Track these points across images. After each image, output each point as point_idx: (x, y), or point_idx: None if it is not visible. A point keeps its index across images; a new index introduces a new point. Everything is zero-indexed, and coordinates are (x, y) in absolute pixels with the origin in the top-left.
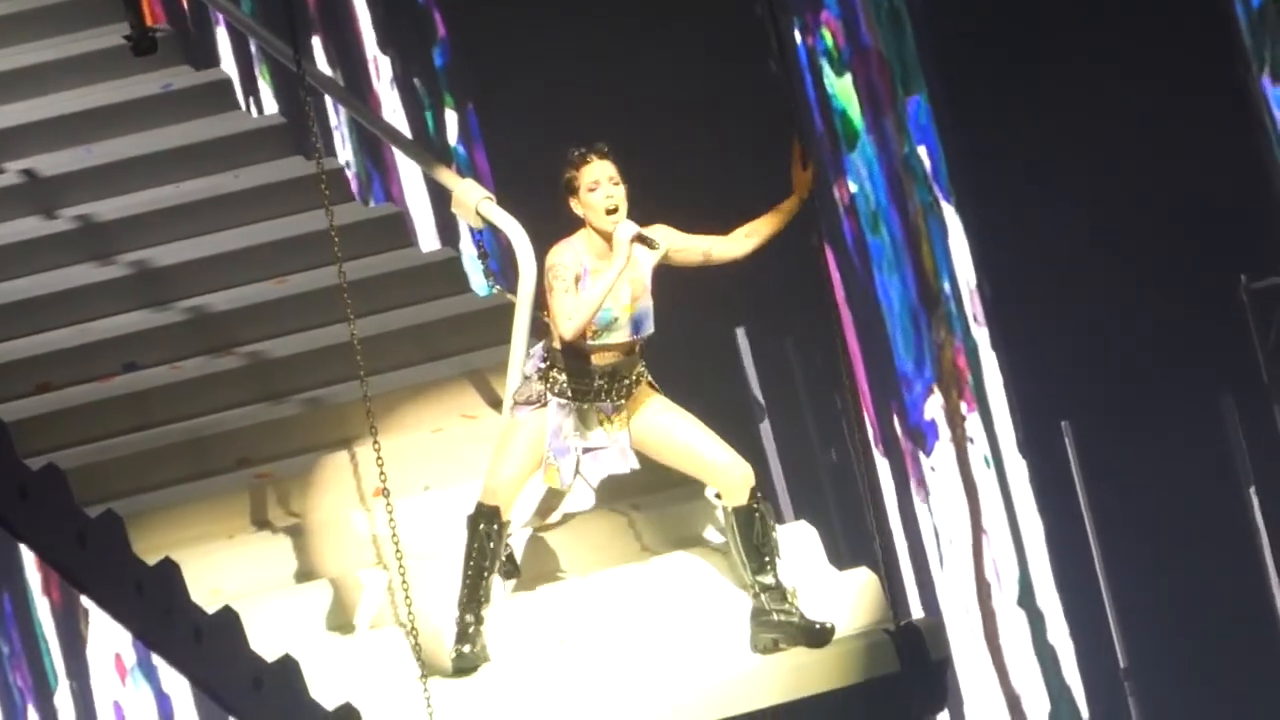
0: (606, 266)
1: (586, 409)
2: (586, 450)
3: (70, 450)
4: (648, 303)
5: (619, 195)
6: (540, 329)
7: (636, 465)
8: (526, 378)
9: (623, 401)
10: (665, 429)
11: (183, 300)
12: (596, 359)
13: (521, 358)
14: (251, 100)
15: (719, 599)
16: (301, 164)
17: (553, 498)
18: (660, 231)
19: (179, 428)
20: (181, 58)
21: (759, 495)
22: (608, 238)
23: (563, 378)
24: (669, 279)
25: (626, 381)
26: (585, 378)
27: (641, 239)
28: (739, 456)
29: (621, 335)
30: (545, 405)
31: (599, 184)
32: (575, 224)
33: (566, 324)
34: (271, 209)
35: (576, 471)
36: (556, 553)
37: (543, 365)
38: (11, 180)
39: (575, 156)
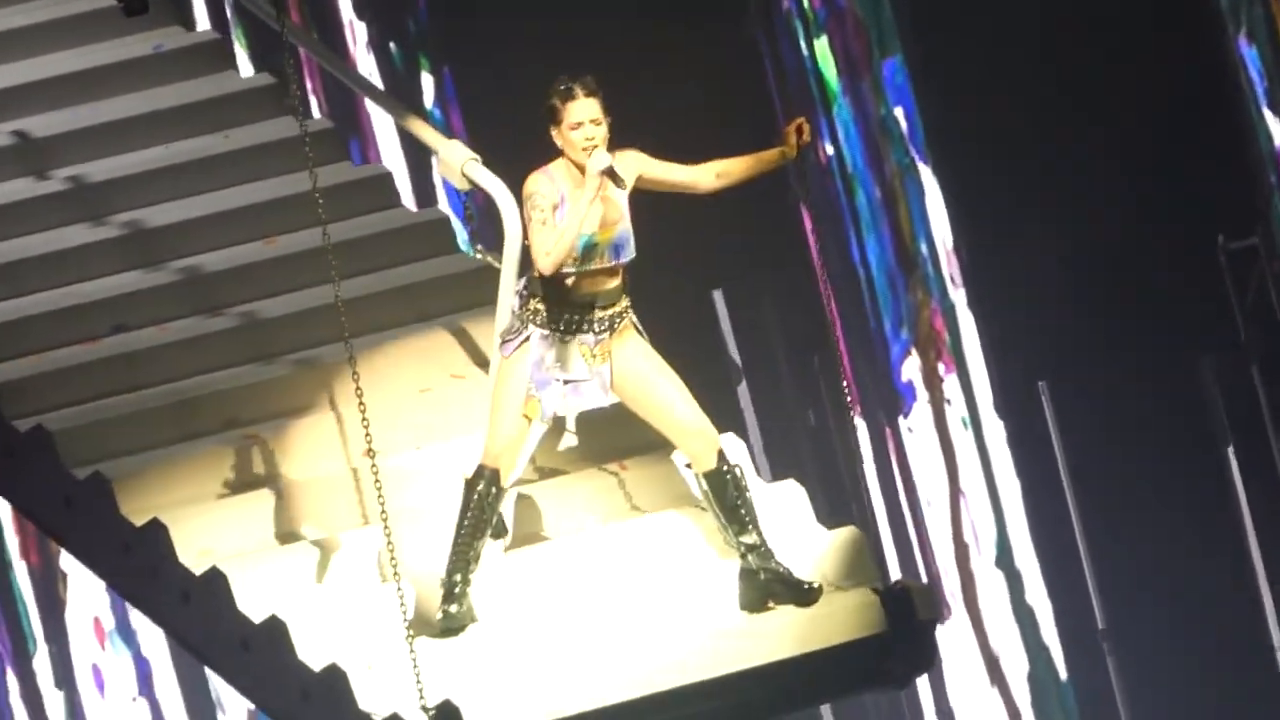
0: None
1: (568, 341)
2: (567, 382)
3: (58, 412)
4: (626, 228)
5: (599, 135)
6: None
7: (616, 399)
8: (515, 314)
9: (605, 335)
10: (642, 378)
11: (172, 261)
12: (578, 286)
13: (508, 320)
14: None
15: (707, 558)
16: (292, 124)
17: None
18: (631, 157)
19: (167, 389)
20: (173, 18)
21: (728, 458)
22: (584, 170)
23: (544, 308)
24: (644, 243)
25: (610, 313)
26: (567, 307)
27: (611, 174)
28: (708, 422)
29: (604, 261)
30: (529, 340)
31: (581, 124)
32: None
33: (544, 259)
34: (262, 169)
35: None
36: (544, 512)
37: (524, 294)
38: (2, 141)
39: (562, 89)
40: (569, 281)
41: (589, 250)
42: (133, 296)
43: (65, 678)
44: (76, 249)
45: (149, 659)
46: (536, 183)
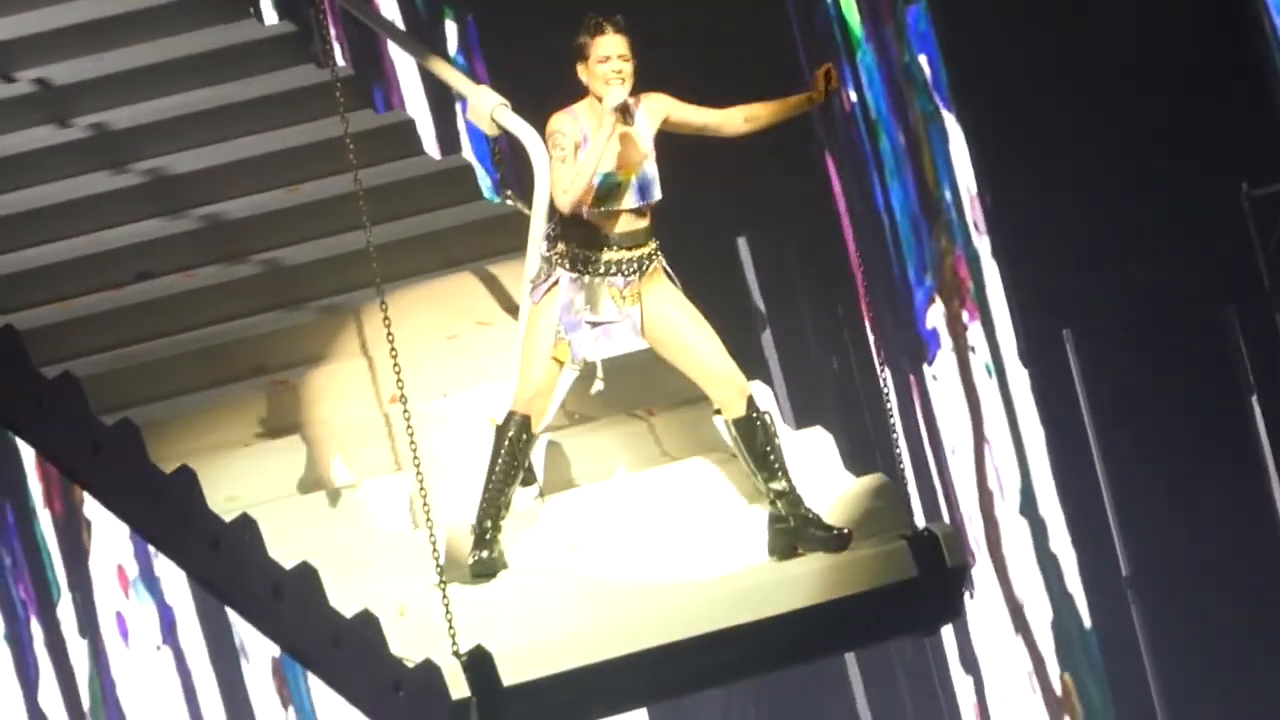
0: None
1: (597, 283)
2: (597, 324)
3: (85, 359)
4: (651, 169)
5: (626, 71)
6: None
7: (645, 343)
8: (544, 258)
9: (634, 278)
10: (672, 322)
11: (197, 208)
12: (604, 227)
13: (537, 267)
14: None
15: (736, 505)
16: (315, 72)
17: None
18: (657, 99)
19: (194, 335)
20: None
21: (756, 405)
22: None
23: (572, 250)
24: (668, 189)
25: (638, 254)
26: (595, 249)
27: (624, 109)
28: (737, 369)
29: (629, 201)
30: (558, 284)
31: (609, 58)
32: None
33: (562, 197)
34: (287, 116)
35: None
36: (574, 459)
37: (552, 238)
38: (24, 89)
39: (591, 25)
40: (595, 223)
41: (613, 189)
42: (157, 244)
43: (89, 626)
44: (100, 196)
45: (173, 607)
46: (559, 121)
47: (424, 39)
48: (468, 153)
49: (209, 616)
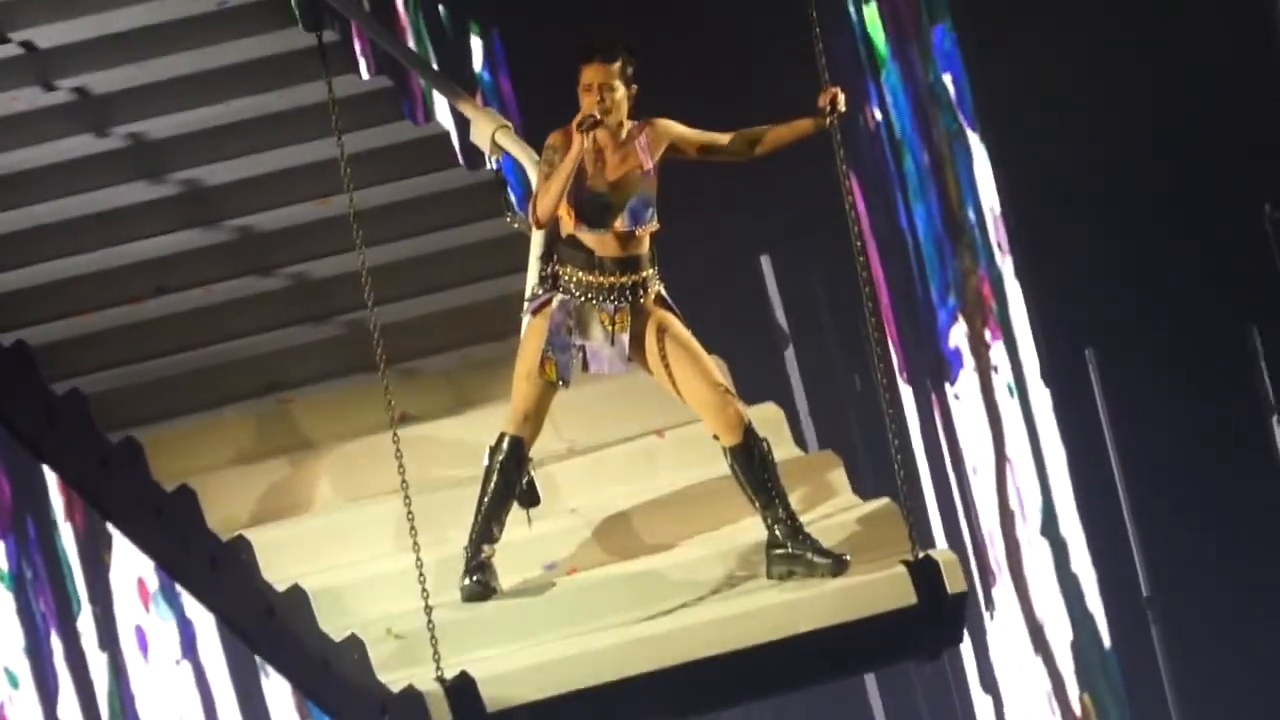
0: (586, 147)
1: (588, 307)
2: (584, 348)
3: (98, 375)
4: (646, 192)
5: (609, 101)
6: None
7: (626, 370)
8: (540, 277)
9: (625, 305)
10: (666, 352)
11: (224, 221)
12: (596, 249)
13: (534, 288)
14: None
15: (734, 529)
16: (352, 83)
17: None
18: (662, 125)
19: (207, 352)
20: None
21: (754, 432)
22: (606, 132)
23: (564, 272)
24: (692, 210)
25: (631, 281)
26: (587, 271)
27: (589, 127)
28: (732, 396)
29: (619, 224)
30: (549, 304)
31: (591, 87)
32: None
33: (531, 208)
34: (319, 129)
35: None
36: (573, 481)
37: (548, 257)
38: (62, 98)
39: (580, 50)
40: (587, 245)
41: (602, 210)
42: (179, 257)
43: (109, 640)
44: (128, 208)
45: (193, 621)
46: (553, 137)
47: (446, 56)
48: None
49: (228, 632)
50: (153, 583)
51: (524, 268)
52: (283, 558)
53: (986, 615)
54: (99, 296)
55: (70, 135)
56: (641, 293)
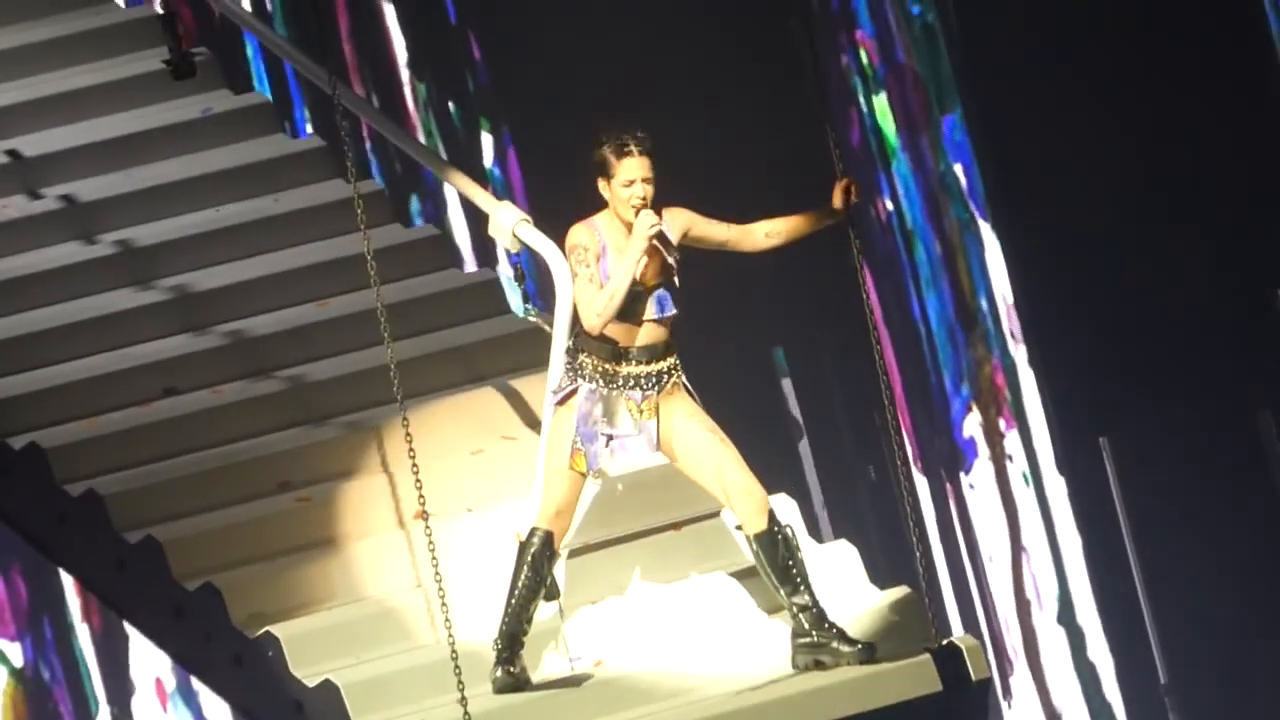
0: (626, 248)
1: (615, 396)
2: (613, 438)
3: (111, 476)
4: (672, 281)
5: (650, 194)
6: None
7: (662, 459)
8: (565, 369)
9: (653, 392)
10: (692, 439)
11: (224, 324)
12: (624, 338)
13: (559, 379)
14: (287, 123)
15: (758, 619)
16: (342, 187)
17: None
18: (679, 214)
19: (219, 452)
20: (221, 81)
21: (778, 519)
22: (630, 225)
23: (591, 362)
24: (706, 302)
25: (657, 368)
26: (614, 360)
27: (662, 238)
28: (757, 483)
29: (649, 313)
30: (576, 393)
31: (634, 181)
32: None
33: (594, 319)
34: (312, 232)
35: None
36: (597, 574)
37: (573, 348)
38: (51, 205)
39: (617, 143)
40: (615, 335)
41: (633, 300)
42: (184, 359)
43: None
44: (127, 312)
45: None
46: (578, 234)
47: (458, 151)
48: (504, 264)
49: None
50: (170, 682)
51: (533, 364)
52: (311, 653)
53: (1005, 704)
54: (107, 399)
55: (62, 242)
56: (667, 380)
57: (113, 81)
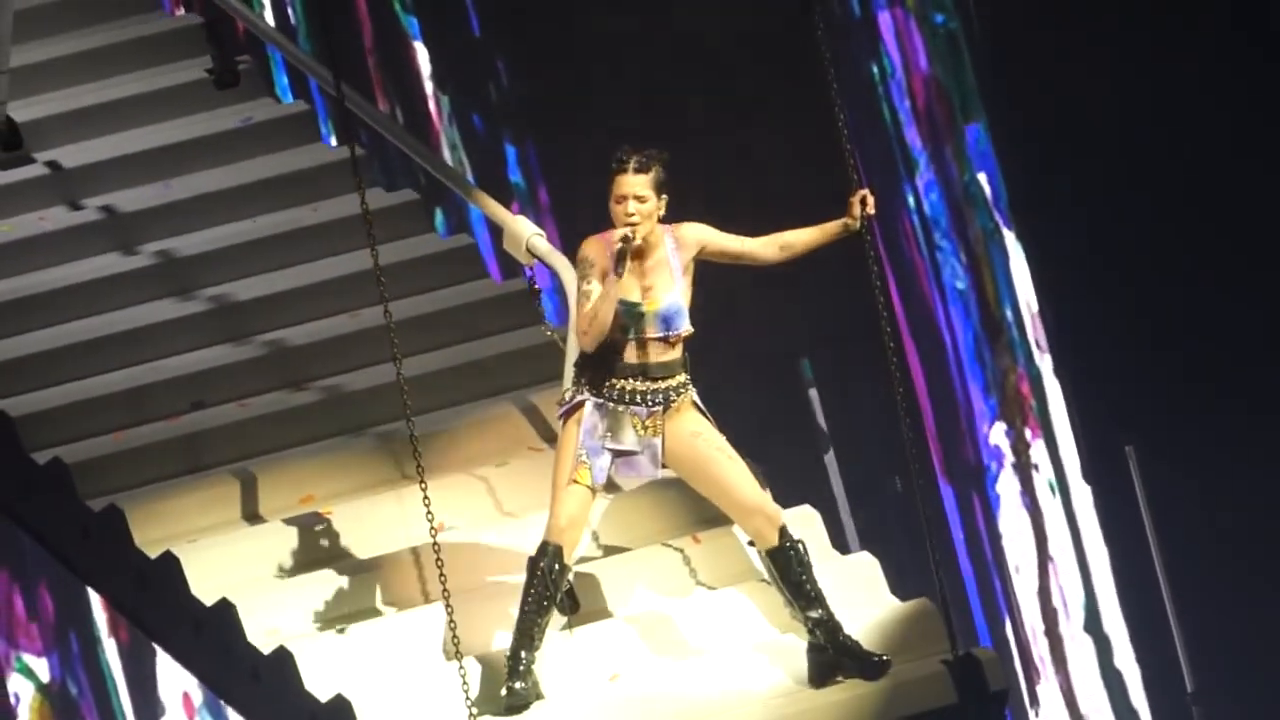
0: (627, 267)
1: (621, 411)
2: (619, 453)
3: (135, 490)
4: (677, 300)
5: (642, 211)
6: None
7: (667, 473)
8: (573, 382)
9: (658, 408)
10: (700, 456)
11: (257, 336)
12: (628, 356)
13: (572, 387)
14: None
15: (774, 633)
16: (380, 196)
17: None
18: (693, 230)
19: (241, 466)
20: (264, 90)
21: (790, 534)
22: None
23: (597, 376)
24: (733, 315)
25: (664, 386)
26: (619, 376)
27: (622, 253)
28: (767, 498)
29: (651, 331)
30: (582, 407)
31: (625, 198)
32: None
33: (582, 338)
34: (349, 242)
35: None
36: (612, 588)
37: (580, 363)
38: (90, 216)
39: (614, 160)
40: (619, 351)
41: (635, 319)
42: (214, 372)
43: None
44: (161, 324)
45: None
46: (588, 248)
47: (481, 164)
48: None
49: None
50: (198, 696)
51: (555, 377)
52: (326, 669)
53: (1032, 712)
54: (135, 413)
55: (98, 254)
56: (674, 398)
57: (154, 91)
